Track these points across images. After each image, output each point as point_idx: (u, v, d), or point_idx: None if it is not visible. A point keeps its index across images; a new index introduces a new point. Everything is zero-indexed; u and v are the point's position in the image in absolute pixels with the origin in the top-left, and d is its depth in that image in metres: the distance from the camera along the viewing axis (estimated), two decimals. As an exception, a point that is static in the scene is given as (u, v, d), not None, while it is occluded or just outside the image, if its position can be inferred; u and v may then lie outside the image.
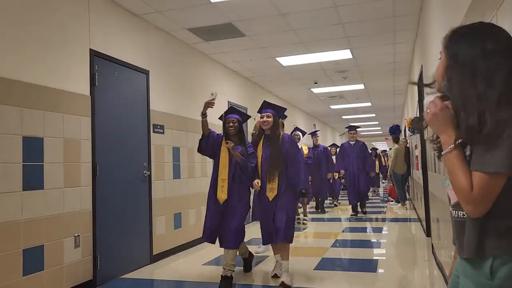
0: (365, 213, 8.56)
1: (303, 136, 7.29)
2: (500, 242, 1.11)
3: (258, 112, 4.12)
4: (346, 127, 8.69)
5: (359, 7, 4.88)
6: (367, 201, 9.13)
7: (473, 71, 1.15)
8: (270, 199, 3.87)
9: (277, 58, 7.03)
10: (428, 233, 5.70)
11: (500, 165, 1.05)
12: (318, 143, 8.86)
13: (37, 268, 3.36)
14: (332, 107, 13.02)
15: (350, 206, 8.53)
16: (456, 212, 1.24)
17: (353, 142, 8.39)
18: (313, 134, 8.97)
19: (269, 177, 3.86)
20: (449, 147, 1.15)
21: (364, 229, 7.01)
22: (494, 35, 1.19)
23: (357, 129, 8.54)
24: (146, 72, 4.96)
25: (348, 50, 6.69)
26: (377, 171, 13.98)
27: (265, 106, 4.05)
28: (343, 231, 6.72)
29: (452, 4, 2.84)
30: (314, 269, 4.38)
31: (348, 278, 4.16)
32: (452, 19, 2.80)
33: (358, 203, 8.50)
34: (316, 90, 10.08)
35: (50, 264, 3.50)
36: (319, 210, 9.37)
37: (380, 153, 16.44)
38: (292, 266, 4.78)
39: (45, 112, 3.51)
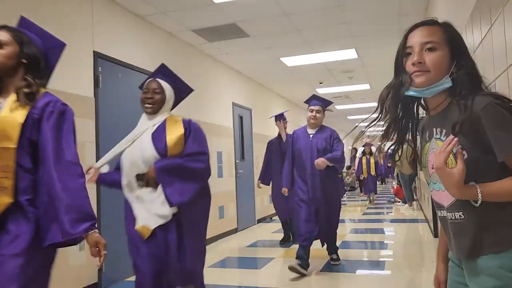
0: (337, 260, 4.51)
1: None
2: None
3: None
4: (305, 101, 4.70)
5: (364, 6, 4.84)
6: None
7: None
8: None
9: (282, 59, 7.00)
10: (435, 234, 5.64)
11: None
12: (284, 132, 5.47)
13: (42, 271, 3.35)
14: (338, 107, 12.96)
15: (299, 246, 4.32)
16: (453, 214, 1.19)
17: (314, 130, 4.46)
18: (278, 117, 5.48)
19: None
20: (478, 195, 1.08)
21: (370, 230, 6.97)
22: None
23: (327, 106, 4.67)
24: (150, 74, 4.94)
25: (354, 50, 6.65)
26: (373, 174, 10.89)
27: None
28: (349, 232, 6.68)
29: (457, 3, 2.80)
30: (320, 271, 4.34)
31: (355, 280, 4.12)
32: (458, 18, 2.76)
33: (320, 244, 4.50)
34: (321, 91, 10.04)
35: (55, 267, 3.49)
36: (282, 241, 5.86)
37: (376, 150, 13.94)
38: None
39: (49, 115, 3.50)
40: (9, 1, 3.23)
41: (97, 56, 4.12)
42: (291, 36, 5.83)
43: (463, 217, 1.15)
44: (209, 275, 4.37)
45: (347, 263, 4.76)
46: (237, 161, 7.43)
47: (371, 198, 11.11)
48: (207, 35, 5.64)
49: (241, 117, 7.77)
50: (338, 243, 4.62)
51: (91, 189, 3.90)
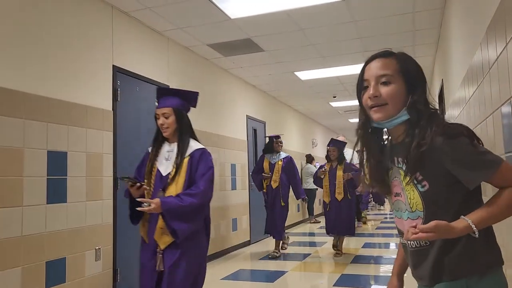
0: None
1: None
2: (481, 259, 1.14)
3: None
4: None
5: (378, 21, 4.88)
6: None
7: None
8: None
9: (296, 73, 7.06)
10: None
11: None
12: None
13: (59, 280, 3.41)
14: (351, 120, 12.95)
15: None
16: (417, 241, 1.21)
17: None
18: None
19: None
20: (472, 226, 1.08)
21: (384, 245, 6.90)
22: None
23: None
24: (166, 87, 5.04)
25: (367, 64, 6.67)
26: (340, 198, 5.68)
27: None
28: (362, 247, 6.63)
29: (473, 17, 2.82)
30: (333, 286, 4.32)
31: (368, 295, 4.08)
32: (473, 33, 2.78)
33: None
34: (335, 104, 10.06)
35: (72, 276, 3.55)
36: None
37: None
38: (311, 282, 4.73)
39: (70, 127, 3.60)
40: (33, 17, 3.35)
41: (116, 70, 4.22)
42: (305, 50, 5.89)
43: (428, 243, 1.18)
44: (222, 287, 4.38)
45: (360, 278, 4.72)
46: (251, 173, 7.42)
47: (340, 245, 5.81)
48: (222, 49, 5.74)
49: (255, 130, 7.82)
50: (351, 258, 4.60)
51: (107, 200, 3.97)
